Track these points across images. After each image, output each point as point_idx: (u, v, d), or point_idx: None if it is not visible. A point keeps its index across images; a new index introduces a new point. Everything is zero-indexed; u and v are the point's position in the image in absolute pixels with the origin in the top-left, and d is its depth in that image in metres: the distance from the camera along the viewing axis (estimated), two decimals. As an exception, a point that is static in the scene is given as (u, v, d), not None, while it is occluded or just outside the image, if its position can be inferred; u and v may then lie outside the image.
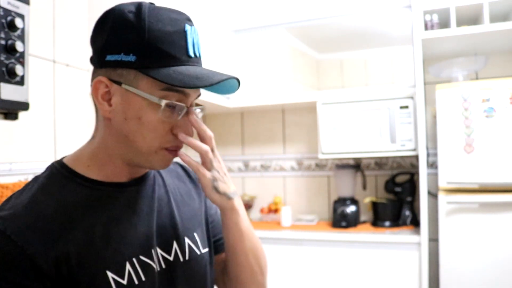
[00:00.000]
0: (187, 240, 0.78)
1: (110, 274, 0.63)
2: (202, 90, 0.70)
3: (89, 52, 0.74)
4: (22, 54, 1.30)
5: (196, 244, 0.79)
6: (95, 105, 0.70)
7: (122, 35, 0.64)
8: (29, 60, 1.36)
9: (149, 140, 0.66)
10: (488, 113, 1.81)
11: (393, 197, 2.33)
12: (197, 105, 0.73)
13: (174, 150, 0.69)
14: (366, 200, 2.34)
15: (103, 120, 0.69)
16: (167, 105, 0.64)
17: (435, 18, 2.05)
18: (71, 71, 1.68)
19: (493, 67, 2.20)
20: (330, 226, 2.30)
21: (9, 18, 1.24)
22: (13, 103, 1.28)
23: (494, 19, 1.96)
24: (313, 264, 2.12)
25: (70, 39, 1.68)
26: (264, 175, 2.69)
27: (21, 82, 1.30)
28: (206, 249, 0.82)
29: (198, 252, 0.79)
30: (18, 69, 1.26)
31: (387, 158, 2.43)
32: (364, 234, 2.08)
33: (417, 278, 1.96)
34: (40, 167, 1.53)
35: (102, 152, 0.70)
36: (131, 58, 0.63)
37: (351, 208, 2.26)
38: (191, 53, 0.66)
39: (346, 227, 2.22)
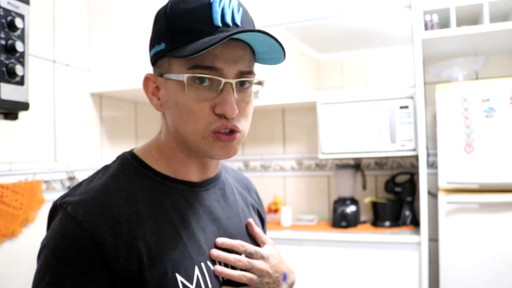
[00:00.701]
0: None
1: (179, 278, 0.61)
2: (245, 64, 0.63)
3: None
4: (22, 54, 1.30)
5: None
6: None
7: (155, 28, 0.66)
8: (29, 60, 1.36)
9: (191, 124, 0.62)
10: (488, 113, 1.81)
11: (393, 197, 2.33)
12: (245, 79, 0.64)
13: (226, 135, 0.63)
14: (366, 200, 2.34)
15: (162, 115, 0.69)
16: (195, 81, 0.61)
17: (435, 18, 2.05)
18: (71, 71, 1.68)
19: (493, 67, 2.20)
20: (330, 226, 2.30)
21: (9, 18, 1.24)
22: (13, 103, 1.28)
23: (494, 19, 1.96)
24: (313, 264, 2.12)
25: (70, 39, 1.68)
26: (264, 175, 2.69)
27: (21, 82, 1.30)
28: None
29: None
30: (18, 69, 1.26)
31: (387, 158, 2.43)
32: (364, 234, 2.08)
33: (417, 278, 1.96)
34: (40, 167, 1.53)
35: (166, 146, 0.69)
36: (162, 46, 0.63)
37: (351, 208, 2.26)
38: (218, 22, 0.60)
39: (346, 227, 2.22)
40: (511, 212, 1.77)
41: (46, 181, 1.55)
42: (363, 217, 2.40)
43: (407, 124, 2.10)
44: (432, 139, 2.21)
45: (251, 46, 0.64)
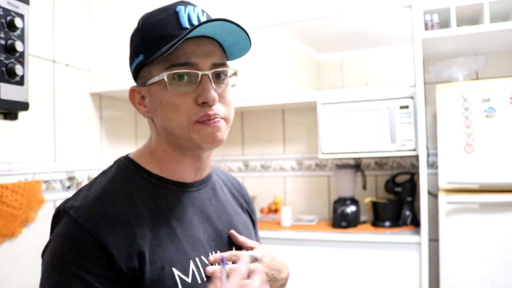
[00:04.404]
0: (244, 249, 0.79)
1: (176, 272, 0.65)
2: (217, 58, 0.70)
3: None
4: (22, 54, 1.30)
5: None
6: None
7: (132, 46, 0.73)
8: (29, 60, 1.36)
9: (176, 119, 0.67)
10: (488, 113, 1.81)
11: (393, 197, 2.33)
12: (218, 71, 0.69)
13: (208, 120, 0.68)
14: (366, 200, 2.34)
15: (150, 121, 0.74)
16: (174, 79, 0.66)
17: (435, 18, 2.05)
18: (71, 71, 1.68)
19: (493, 67, 2.19)
20: (330, 226, 2.30)
21: (9, 18, 1.24)
22: (13, 103, 1.28)
23: (494, 19, 1.96)
24: (313, 264, 2.12)
25: (70, 39, 1.68)
26: (264, 175, 2.69)
27: (21, 82, 1.30)
28: None
29: None
30: (18, 69, 1.26)
31: (387, 158, 2.43)
32: (364, 234, 2.08)
33: (417, 278, 1.96)
34: (40, 167, 1.53)
35: (158, 148, 0.73)
36: (141, 57, 0.69)
37: (351, 208, 2.26)
38: (186, 25, 0.68)
39: (346, 227, 2.22)
40: (511, 212, 1.77)
41: (46, 181, 1.55)
42: (363, 217, 2.40)
43: (407, 124, 2.10)
44: (432, 139, 2.21)
45: (220, 44, 0.71)
